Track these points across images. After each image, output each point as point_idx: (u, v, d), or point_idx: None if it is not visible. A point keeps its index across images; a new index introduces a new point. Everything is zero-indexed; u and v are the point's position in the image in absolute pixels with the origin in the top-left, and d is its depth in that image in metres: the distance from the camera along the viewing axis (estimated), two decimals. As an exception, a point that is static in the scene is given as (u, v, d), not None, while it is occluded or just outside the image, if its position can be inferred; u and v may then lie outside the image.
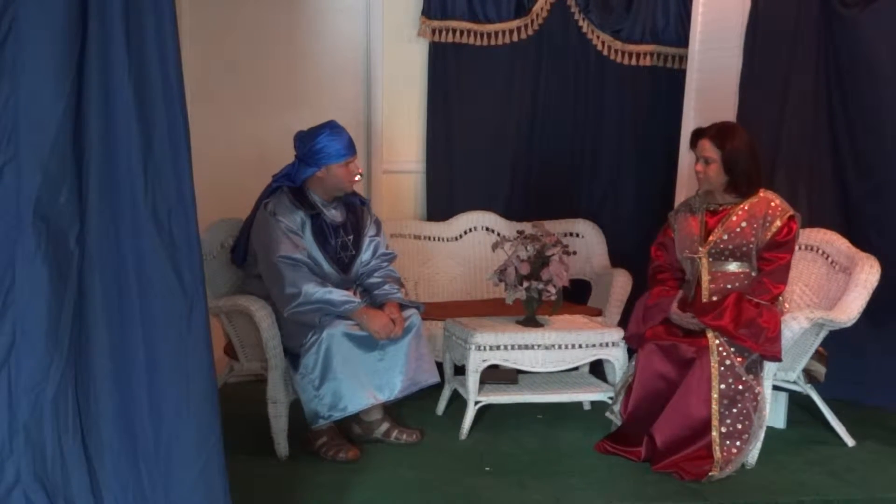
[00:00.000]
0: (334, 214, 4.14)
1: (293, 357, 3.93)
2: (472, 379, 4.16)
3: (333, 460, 3.89)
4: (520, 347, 4.21)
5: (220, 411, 2.53)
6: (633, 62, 5.65)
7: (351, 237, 4.16)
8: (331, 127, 4.07)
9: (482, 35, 5.42)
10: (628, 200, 5.75)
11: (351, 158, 4.06)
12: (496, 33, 5.44)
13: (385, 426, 4.11)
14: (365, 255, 4.20)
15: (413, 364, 3.99)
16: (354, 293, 4.11)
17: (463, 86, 5.46)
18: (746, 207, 4.01)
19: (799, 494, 3.64)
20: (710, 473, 3.72)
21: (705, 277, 4.03)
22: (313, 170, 4.03)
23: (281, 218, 3.97)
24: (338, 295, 3.88)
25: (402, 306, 4.05)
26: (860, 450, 4.14)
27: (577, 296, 5.17)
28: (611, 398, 4.29)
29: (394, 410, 4.28)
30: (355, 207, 4.24)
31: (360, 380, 3.89)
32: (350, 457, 3.89)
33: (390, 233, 5.15)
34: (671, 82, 5.59)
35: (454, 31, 5.38)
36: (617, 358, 4.29)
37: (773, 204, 4.00)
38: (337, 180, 4.05)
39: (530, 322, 4.35)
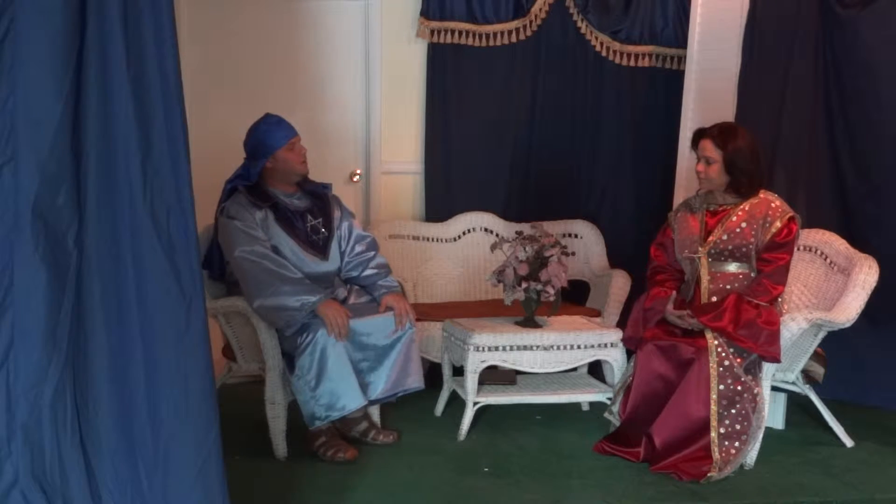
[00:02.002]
0: (297, 203, 4.14)
1: (290, 359, 3.93)
2: (471, 380, 4.16)
3: (332, 460, 3.89)
4: (518, 348, 4.21)
5: (219, 412, 2.53)
6: (632, 63, 5.65)
7: (320, 220, 4.15)
8: (266, 117, 4.11)
9: (481, 36, 5.42)
10: (627, 201, 5.75)
11: (293, 139, 4.07)
12: (495, 34, 5.44)
13: (364, 425, 4.12)
14: (340, 232, 4.20)
15: (399, 368, 4.01)
16: (349, 293, 4.11)
17: (461, 87, 5.46)
18: (746, 208, 4.01)
19: (798, 495, 3.65)
20: (708, 474, 3.72)
21: (705, 278, 4.03)
22: (262, 161, 4.03)
23: (236, 217, 3.95)
24: (293, 300, 3.82)
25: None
26: (859, 450, 4.15)
27: (576, 296, 5.17)
28: (609, 399, 4.29)
29: (387, 411, 4.29)
30: (319, 193, 4.24)
31: (356, 377, 3.90)
32: (348, 456, 3.90)
33: (388, 233, 5.16)
34: (670, 83, 5.59)
35: (453, 31, 5.38)
36: (615, 359, 4.29)
37: (773, 205, 4.00)
38: (287, 164, 4.05)
39: (529, 323, 4.35)
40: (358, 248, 4.22)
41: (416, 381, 4.06)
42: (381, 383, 3.99)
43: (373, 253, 4.24)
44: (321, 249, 4.12)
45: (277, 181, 4.09)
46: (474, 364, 4.16)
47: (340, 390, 3.84)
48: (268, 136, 4.03)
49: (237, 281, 3.98)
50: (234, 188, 4.08)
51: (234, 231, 3.92)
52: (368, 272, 4.19)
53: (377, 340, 3.97)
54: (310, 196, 4.19)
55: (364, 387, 3.95)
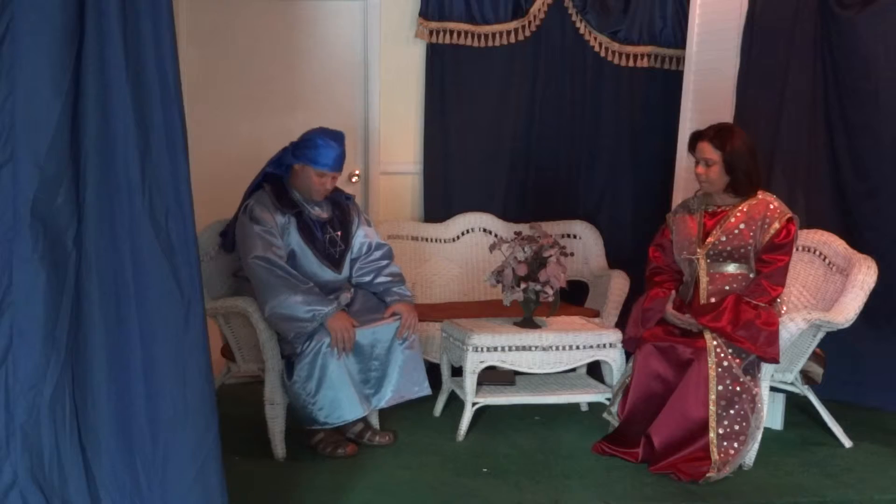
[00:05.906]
0: (319, 211, 4.13)
1: (289, 361, 3.92)
2: (470, 380, 4.16)
3: (331, 456, 3.90)
4: (517, 349, 4.21)
5: (218, 412, 2.53)
6: (631, 63, 5.65)
7: (339, 233, 4.15)
8: (334, 136, 4.04)
9: (479, 36, 5.42)
10: (626, 202, 5.75)
11: (328, 173, 4.02)
12: (493, 35, 5.44)
13: (360, 426, 4.11)
14: (356, 249, 4.20)
15: (405, 376, 4.01)
16: (353, 297, 4.11)
17: (460, 87, 5.46)
18: (745, 209, 4.01)
19: (796, 496, 3.65)
20: (707, 475, 3.72)
21: (703, 279, 4.03)
22: (293, 160, 4.02)
23: (258, 219, 3.94)
24: (304, 311, 3.82)
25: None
26: (857, 451, 4.14)
27: (575, 297, 5.17)
28: (608, 399, 4.29)
29: (386, 412, 4.28)
30: (341, 204, 4.23)
31: (356, 388, 3.90)
32: (348, 452, 3.92)
33: (387, 234, 5.16)
34: (668, 83, 5.59)
35: (452, 32, 5.38)
36: (614, 359, 4.29)
37: (771, 206, 4.00)
38: (307, 182, 4.03)
39: (528, 323, 4.35)
40: (374, 255, 4.22)
41: (422, 389, 4.07)
42: (387, 393, 4.00)
43: (387, 262, 4.23)
44: (336, 262, 4.12)
45: (298, 188, 4.08)
46: (473, 364, 4.16)
47: (339, 400, 3.85)
48: (315, 150, 3.98)
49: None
50: (259, 185, 4.06)
51: (253, 235, 3.92)
52: (381, 279, 4.19)
53: (381, 349, 3.97)
54: (331, 204, 4.17)
55: (367, 397, 3.96)
